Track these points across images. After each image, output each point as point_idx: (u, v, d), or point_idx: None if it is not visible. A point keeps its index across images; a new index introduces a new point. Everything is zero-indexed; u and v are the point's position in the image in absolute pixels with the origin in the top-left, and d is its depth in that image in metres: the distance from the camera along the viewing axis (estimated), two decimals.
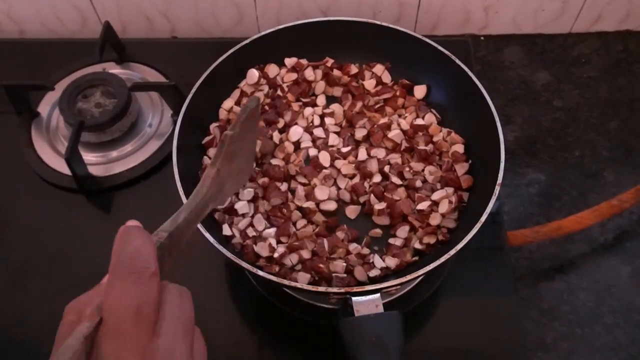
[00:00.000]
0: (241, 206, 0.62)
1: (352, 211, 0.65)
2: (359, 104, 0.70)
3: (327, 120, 0.71)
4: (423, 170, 0.66)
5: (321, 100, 0.73)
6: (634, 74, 0.88)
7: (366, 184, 0.65)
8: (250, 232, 0.62)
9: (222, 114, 0.71)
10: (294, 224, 0.63)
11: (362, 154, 0.67)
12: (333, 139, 0.69)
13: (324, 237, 0.61)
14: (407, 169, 0.65)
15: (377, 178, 0.65)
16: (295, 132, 0.69)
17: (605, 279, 0.70)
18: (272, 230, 0.61)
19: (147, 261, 0.32)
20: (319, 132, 0.69)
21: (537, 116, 0.84)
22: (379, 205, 0.63)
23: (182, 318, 0.33)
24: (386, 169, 0.66)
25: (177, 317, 0.32)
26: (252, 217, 0.63)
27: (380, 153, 0.67)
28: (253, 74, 0.72)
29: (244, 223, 0.62)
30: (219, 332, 0.65)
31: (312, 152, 0.68)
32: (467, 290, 0.67)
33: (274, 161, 0.67)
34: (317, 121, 0.71)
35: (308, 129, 0.70)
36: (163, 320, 0.31)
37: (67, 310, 0.33)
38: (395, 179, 0.65)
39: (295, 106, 0.71)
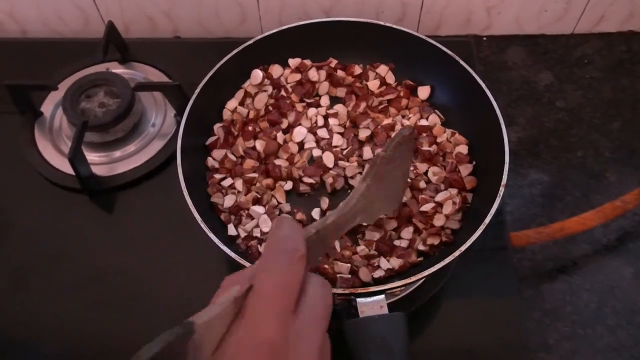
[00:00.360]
0: (256, 210, 0.63)
1: None
2: (363, 105, 0.70)
3: (331, 120, 0.71)
4: (427, 171, 0.66)
5: (325, 100, 0.73)
6: (637, 74, 0.88)
7: None
8: (256, 233, 0.62)
9: (226, 114, 0.71)
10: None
11: (367, 153, 0.67)
12: (337, 140, 0.69)
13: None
14: (412, 168, 0.65)
15: None
16: (299, 132, 0.69)
17: (608, 280, 0.70)
18: None
19: (297, 244, 0.36)
20: (322, 132, 0.69)
21: (539, 117, 0.84)
22: None
23: (321, 306, 0.36)
24: None
25: (316, 303, 0.36)
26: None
27: None
28: (257, 74, 0.72)
29: (252, 224, 0.62)
30: None
31: (316, 152, 0.68)
32: (470, 290, 0.67)
33: (277, 161, 0.67)
34: (320, 122, 0.71)
35: (312, 130, 0.70)
36: (304, 303, 0.35)
37: (224, 281, 0.37)
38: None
39: (299, 107, 0.71)
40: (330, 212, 0.45)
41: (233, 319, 0.34)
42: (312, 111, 0.71)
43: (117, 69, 0.84)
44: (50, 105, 0.82)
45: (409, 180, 0.63)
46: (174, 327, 0.31)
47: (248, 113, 0.71)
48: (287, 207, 0.65)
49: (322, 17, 0.82)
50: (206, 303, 0.36)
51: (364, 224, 0.61)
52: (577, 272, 0.71)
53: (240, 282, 0.35)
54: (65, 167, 0.74)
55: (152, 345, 0.29)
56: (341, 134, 0.70)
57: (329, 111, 0.71)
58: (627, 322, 0.67)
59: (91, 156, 0.76)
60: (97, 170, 0.76)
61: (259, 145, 0.68)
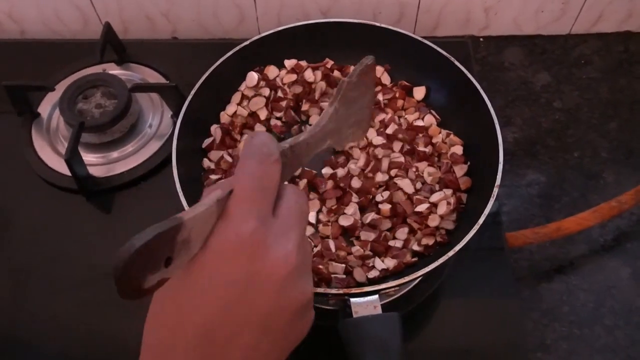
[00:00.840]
0: None
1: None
2: None
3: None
4: (422, 171, 0.66)
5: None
6: (635, 75, 0.87)
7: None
8: None
9: (225, 118, 0.71)
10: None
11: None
12: None
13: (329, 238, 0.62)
14: (414, 169, 0.66)
15: (384, 177, 0.66)
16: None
17: (606, 280, 0.70)
18: None
19: (271, 150, 0.38)
20: None
21: (537, 117, 0.84)
22: (384, 206, 0.63)
23: (298, 207, 0.39)
24: (392, 172, 0.66)
25: (293, 205, 0.38)
26: None
27: (378, 140, 0.68)
28: (252, 76, 0.72)
29: None
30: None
31: None
32: (468, 291, 0.67)
33: None
34: None
35: None
36: (281, 207, 0.38)
37: (205, 190, 0.38)
38: (400, 181, 0.65)
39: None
40: (301, 133, 0.48)
41: (216, 221, 0.35)
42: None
43: (115, 70, 0.85)
44: (47, 106, 0.83)
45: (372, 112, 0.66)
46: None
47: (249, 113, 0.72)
48: None
49: (320, 18, 0.82)
50: None
51: (336, 149, 0.65)
52: (575, 272, 0.71)
53: (221, 188, 0.36)
54: (63, 167, 0.74)
55: (143, 235, 0.31)
56: None
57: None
58: (625, 323, 0.67)
59: (88, 157, 0.77)
60: (94, 171, 0.76)
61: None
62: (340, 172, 0.66)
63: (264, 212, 0.36)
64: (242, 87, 0.73)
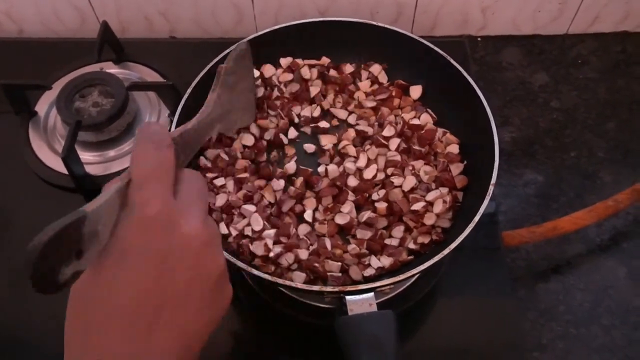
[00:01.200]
0: (247, 208, 0.63)
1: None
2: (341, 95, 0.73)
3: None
4: (419, 170, 0.66)
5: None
6: (632, 75, 0.88)
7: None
8: (247, 231, 0.62)
9: None
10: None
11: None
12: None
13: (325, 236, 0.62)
14: (410, 167, 0.66)
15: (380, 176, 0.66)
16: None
17: (602, 280, 0.70)
18: (272, 232, 0.61)
19: (163, 136, 0.39)
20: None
21: (534, 117, 0.84)
22: (380, 205, 0.63)
23: (196, 187, 0.40)
24: (388, 171, 0.66)
25: (192, 185, 0.40)
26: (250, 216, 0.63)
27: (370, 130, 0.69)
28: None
29: (243, 223, 0.62)
30: (214, 331, 0.65)
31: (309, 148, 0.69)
32: (464, 290, 0.67)
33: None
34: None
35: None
36: (180, 188, 0.39)
37: (104, 186, 0.39)
38: (396, 179, 0.65)
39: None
40: (188, 122, 0.49)
41: (119, 211, 0.36)
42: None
43: (112, 69, 0.85)
44: (44, 104, 0.83)
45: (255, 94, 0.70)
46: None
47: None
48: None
49: (317, 17, 0.82)
50: None
51: (227, 135, 0.67)
52: (572, 272, 0.71)
53: (120, 179, 0.37)
54: (60, 166, 0.74)
55: (49, 229, 0.31)
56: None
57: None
58: (621, 322, 0.67)
59: (85, 155, 0.77)
60: (92, 170, 0.76)
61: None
62: (336, 170, 0.66)
63: (164, 195, 0.37)
64: None
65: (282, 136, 0.69)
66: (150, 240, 0.35)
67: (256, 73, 0.72)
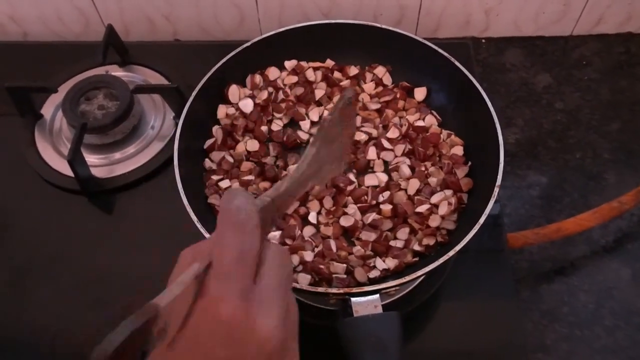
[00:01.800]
0: None
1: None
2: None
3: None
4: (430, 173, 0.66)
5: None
6: (636, 76, 0.88)
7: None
8: None
9: (223, 119, 0.72)
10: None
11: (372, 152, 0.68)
12: None
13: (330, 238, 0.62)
14: (423, 169, 0.66)
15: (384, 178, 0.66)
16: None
17: (606, 281, 0.70)
18: (277, 234, 0.62)
19: (250, 215, 0.36)
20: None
21: (538, 118, 0.84)
22: (385, 207, 0.63)
23: (282, 272, 0.36)
24: (394, 175, 0.67)
25: (276, 270, 0.36)
26: None
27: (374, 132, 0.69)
28: (233, 90, 0.72)
29: None
30: None
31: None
32: (468, 291, 0.67)
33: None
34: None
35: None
36: (263, 272, 0.35)
37: (182, 256, 0.37)
38: (402, 182, 0.65)
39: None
40: (283, 180, 0.45)
41: (194, 299, 0.34)
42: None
43: (117, 72, 0.85)
44: (50, 107, 0.83)
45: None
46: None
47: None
48: None
49: (321, 19, 0.83)
50: None
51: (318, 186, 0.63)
52: (575, 273, 0.71)
53: (198, 258, 0.35)
54: (65, 168, 0.74)
55: (117, 334, 0.29)
56: None
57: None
58: (625, 323, 0.67)
59: (90, 158, 0.77)
60: (97, 172, 0.76)
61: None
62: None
63: (244, 287, 0.34)
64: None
65: (286, 138, 0.70)
66: (222, 345, 0.33)
67: (260, 77, 0.73)
